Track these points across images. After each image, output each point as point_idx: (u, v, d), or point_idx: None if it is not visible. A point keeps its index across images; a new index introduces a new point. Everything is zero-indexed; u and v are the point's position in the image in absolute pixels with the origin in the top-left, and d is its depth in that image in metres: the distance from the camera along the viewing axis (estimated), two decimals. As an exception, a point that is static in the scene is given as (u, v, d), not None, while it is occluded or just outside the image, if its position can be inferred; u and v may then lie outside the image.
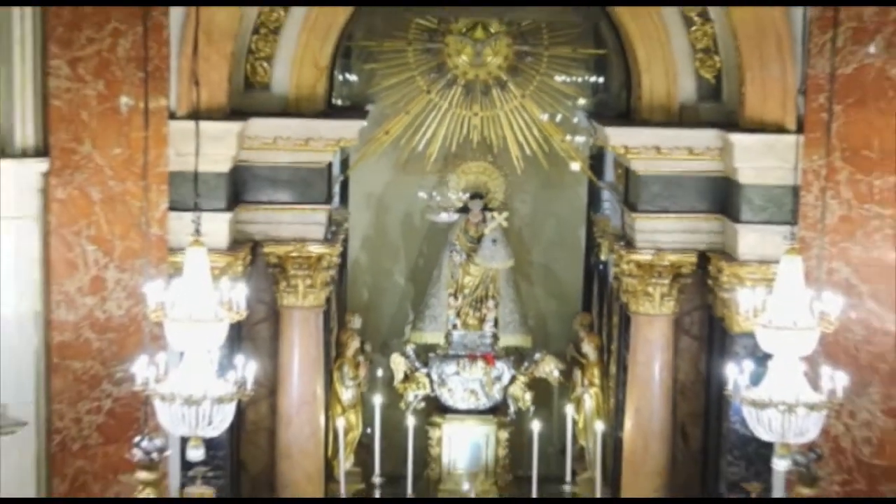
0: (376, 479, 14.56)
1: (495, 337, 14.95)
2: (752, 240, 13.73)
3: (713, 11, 13.89)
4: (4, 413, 12.93)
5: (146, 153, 13.00)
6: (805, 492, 13.05)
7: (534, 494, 14.66)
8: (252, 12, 13.85)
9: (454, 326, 15.09)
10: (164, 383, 11.27)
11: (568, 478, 14.70)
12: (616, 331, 15.29)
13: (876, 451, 13.49)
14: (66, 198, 12.96)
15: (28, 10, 12.63)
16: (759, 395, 12.00)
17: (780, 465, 13.16)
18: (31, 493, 13.33)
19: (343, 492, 14.76)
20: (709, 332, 14.84)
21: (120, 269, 13.08)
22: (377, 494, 14.75)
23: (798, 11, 13.34)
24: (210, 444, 12.42)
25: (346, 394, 14.81)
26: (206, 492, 13.39)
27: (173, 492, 12.96)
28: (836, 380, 11.87)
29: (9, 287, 12.84)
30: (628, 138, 14.32)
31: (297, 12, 13.96)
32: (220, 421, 11.66)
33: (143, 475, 12.21)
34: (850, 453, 13.49)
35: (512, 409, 15.04)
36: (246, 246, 14.19)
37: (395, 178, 15.39)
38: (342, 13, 14.04)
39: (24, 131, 12.74)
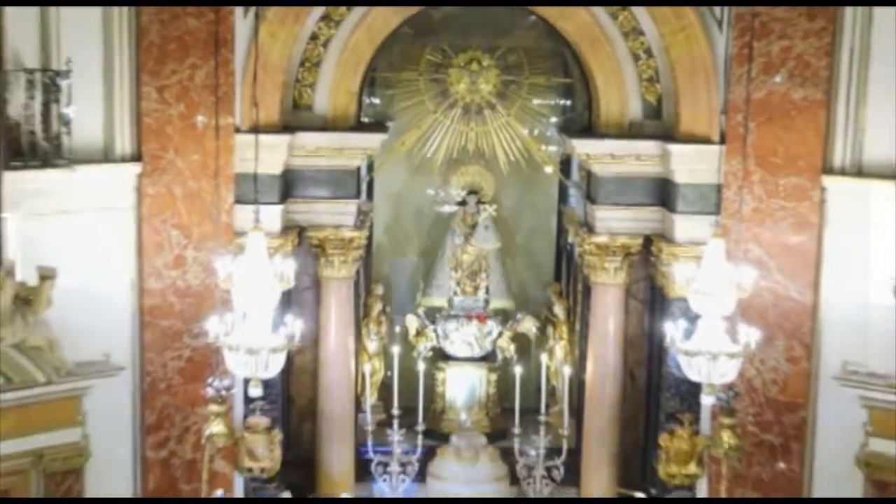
0: (395, 411, 14.39)
1: (486, 301, 14.88)
2: (685, 226, 13.83)
3: (655, 49, 13.92)
4: (108, 360, 13.05)
5: (217, 159, 13.09)
6: (726, 421, 13.13)
7: (516, 423, 14.64)
8: (299, 49, 13.88)
9: (455, 293, 15.05)
10: (231, 337, 11.46)
11: (542, 410, 14.56)
12: (580, 296, 15.34)
13: (780, 390, 13.58)
14: (154, 194, 13.08)
15: (125, 46, 12.76)
16: (690, 347, 12.12)
17: (707, 400, 13.27)
18: (127, 423, 13.48)
19: (369, 420, 14.72)
20: (651, 297, 14.91)
21: (196, 249, 13.15)
22: (395, 424, 14.53)
23: (721, 48, 13.39)
24: (266, 383, 12.53)
25: (371, 345, 14.80)
26: (263, 421, 13.49)
27: (238, 421, 12.80)
28: (750, 335, 11.98)
29: (111, 263, 13.02)
30: (590, 148, 14.39)
31: (334, 49, 13.95)
32: (274, 366, 11.81)
33: (213, 408, 12.29)
34: (761, 391, 13.60)
35: (499, 357, 14.97)
36: (294, 231, 14.25)
37: (409, 179, 15.41)
38: (368, 51, 14.04)
39: (123, 142, 12.92)
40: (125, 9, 12.66)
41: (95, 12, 12.52)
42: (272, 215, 13.56)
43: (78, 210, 12.54)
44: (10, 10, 11.75)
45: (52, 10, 12.12)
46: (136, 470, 13.63)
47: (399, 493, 14.77)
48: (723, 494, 13.10)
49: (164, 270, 13.22)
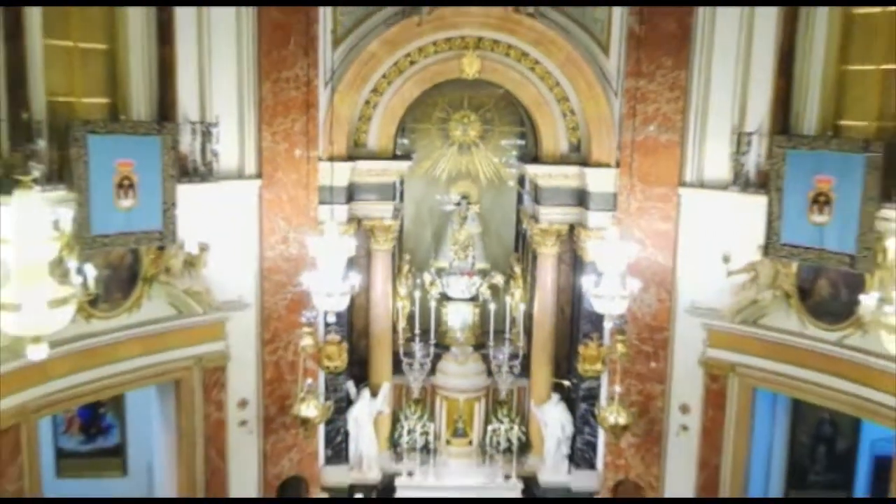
0: (416, 332, 14.30)
1: (473, 264, 14.76)
2: (594, 218, 13.77)
3: (576, 109, 13.78)
4: (241, 300, 13.21)
5: (307, 177, 13.13)
6: (619, 337, 13.17)
7: (491, 339, 14.63)
8: (358, 109, 13.76)
9: (453, 259, 14.95)
10: (316, 285, 11.80)
11: (507, 331, 14.59)
12: (530, 262, 15.21)
13: (652, 318, 13.71)
14: (269, 198, 13.16)
15: (252, 106, 12.79)
16: (598, 291, 12.38)
17: (607, 324, 13.37)
18: (252, 338, 13.49)
19: (401, 338, 14.76)
20: (573, 262, 14.83)
21: (295, 232, 13.21)
22: (416, 339, 14.40)
23: (616, 108, 13.38)
24: (338, 314, 12.87)
25: (402, 291, 14.74)
26: (336, 337, 13.64)
27: (320, 337, 12.66)
28: (634, 285, 12.29)
29: (243, 240, 13.12)
30: (536, 170, 14.31)
31: (379, 109, 13.84)
32: (343, 303, 12.13)
33: (306, 329, 12.47)
34: (640, 319, 13.70)
35: (480, 298, 14.86)
36: (354, 221, 14.16)
37: (425, 189, 15.36)
38: (400, 110, 13.98)
39: (250, 167, 13.02)
40: (252, 79, 12.69)
41: (233, 82, 12.57)
42: (341, 211, 13.67)
43: (223, 207, 12.74)
44: (180, 81, 12.01)
45: (206, 79, 12.25)
46: (258, 368, 13.68)
47: (418, 383, 14.99)
48: (617, 384, 13.29)
49: (276, 245, 13.33)
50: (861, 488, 14.62)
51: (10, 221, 8.60)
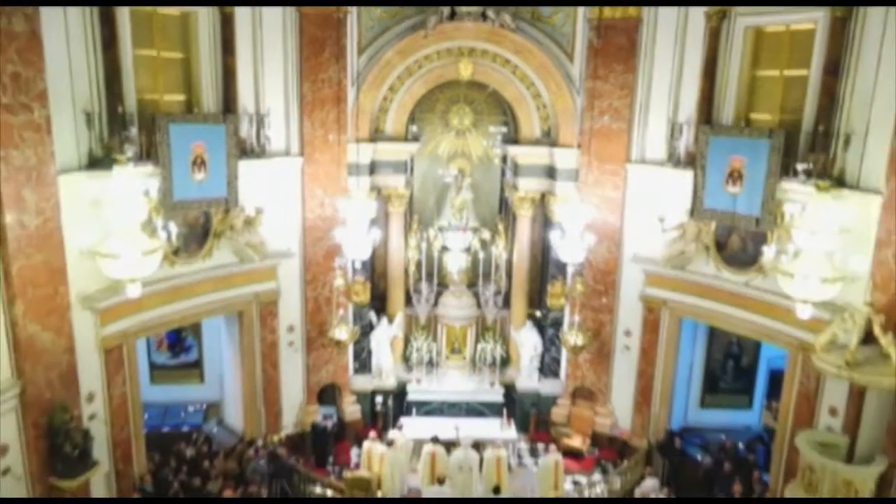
0: (423, 275, 14.52)
1: (467, 223, 14.58)
2: (561, 188, 13.72)
3: (547, 103, 13.67)
4: (288, 250, 13.19)
5: (339, 156, 13.08)
6: (578, 278, 13.23)
7: (480, 280, 14.66)
8: (378, 102, 13.64)
9: (451, 219, 14.69)
10: (345, 239, 11.85)
11: (492, 274, 14.61)
12: (510, 221, 15.06)
13: (604, 264, 13.70)
14: (310, 172, 13.07)
15: (295, 100, 12.61)
16: (562, 244, 12.54)
17: (570, 269, 13.68)
18: (297, 280, 13.47)
19: (411, 279, 14.73)
20: (544, 221, 14.69)
21: (330, 198, 13.12)
22: (424, 281, 14.57)
23: (578, 103, 13.25)
24: (363, 261, 12.98)
25: (412, 243, 14.60)
26: (360, 278, 13.68)
27: (349, 278, 12.84)
28: (590, 239, 12.40)
29: (290, 204, 13.02)
30: (516, 150, 14.25)
31: (395, 103, 13.78)
32: (365, 252, 12.22)
33: (338, 272, 12.60)
34: (594, 265, 13.69)
35: (472, 249, 14.70)
36: (375, 189, 14.07)
37: (429, 165, 15.28)
38: (411, 103, 13.90)
39: (294, 147, 12.89)
40: (295, 80, 12.54)
41: (280, 82, 12.43)
42: (364, 182, 13.60)
43: (273, 179, 12.66)
44: (240, 81, 11.86)
45: (260, 80, 12.15)
46: (301, 302, 13.71)
47: (424, 313, 15.04)
48: (576, 314, 13.34)
49: (315, 208, 13.29)
50: (759, 393, 14.79)
51: (111, 190, 8.65)
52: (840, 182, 10.06)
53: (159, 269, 9.78)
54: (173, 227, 9.77)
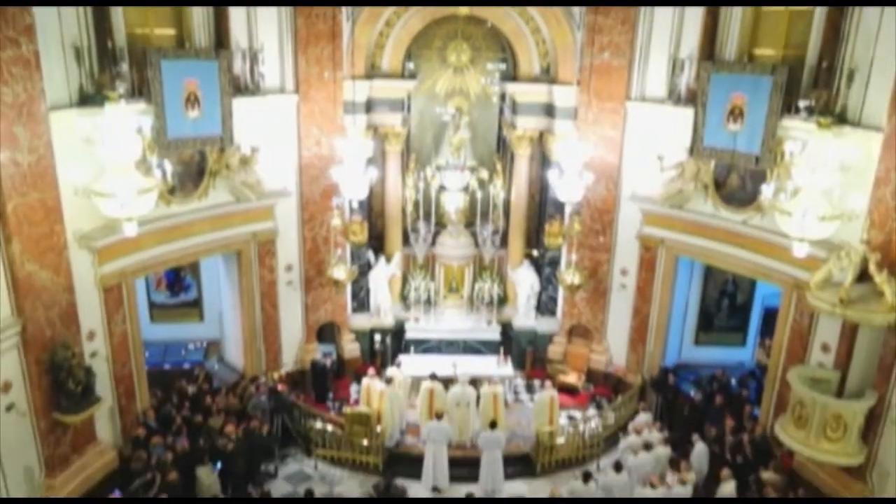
0: (421, 214, 14.51)
1: (465, 161, 14.37)
2: (560, 127, 13.60)
3: (547, 39, 13.45)
4: (285, 189, 13.11)
5: (334, 93, 12.88)
6: (576, 217, 13.27)
7: (478, 220, 14.60)
8: (374, 38, 13.37)
9: (449, 158, 14.41)
10: (342, 178, 11.74)
11: (490, 213, 14.52)
12: (508, 160, 14.95)
13: (602, 203, 13.66)
14: (305, 110, 12.89)
15: (289, 36, 12.31)
16: (561, 183, 12.46)
17: (568, 208, 13.64)
18: (294, 219, 13.43)
19: (409, 219, 14.65)
20: (542, 160, 14.65)
21: (326, 136, 12.99)
22: (421, 220, 14.54)
23: (578, 39, 13.02)
24: (360, 201, 12.90)
25: (409, 182, 14.49)
26: (358, 218, 13.48)
27: (346, 218, 12.80)
28: (588, 177, 12.32)
29: (286, 142, 12.91)
30: (515, 88, 14.05)
31: (391, 39, 13.50)
32: (363, 191, 12.11)
33: (335, 212, 12.58)
34: (592, 204, 13.66)
35: (470, 188, 14.56)
36: (372, 128, 13.95)
37: (427, 103, 14.95)
38: (408, 39, 13.63)
39: (289, 84, 12.64)
40: (289, 14, 12.22)
41: (274, 17, 12.15)
42: (361, 121, 13.48)
43: (268, 117, 12.49)
44: (232, 16, 11.58)
45: (253, 14, 11.84)
46: (299, 241, 13.73)
47: (422, 253, 15.01)
48: (574, 253, 13.43)
49: (311, 146, 13.16)
50: (753, 331, 14.98)
51: (104, 128, 8.52)
52: (842, 119, 9.95)
53: (155, 208, 9.74)
54: (168, 166, 9.68)
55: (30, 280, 9.37)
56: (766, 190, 9.79)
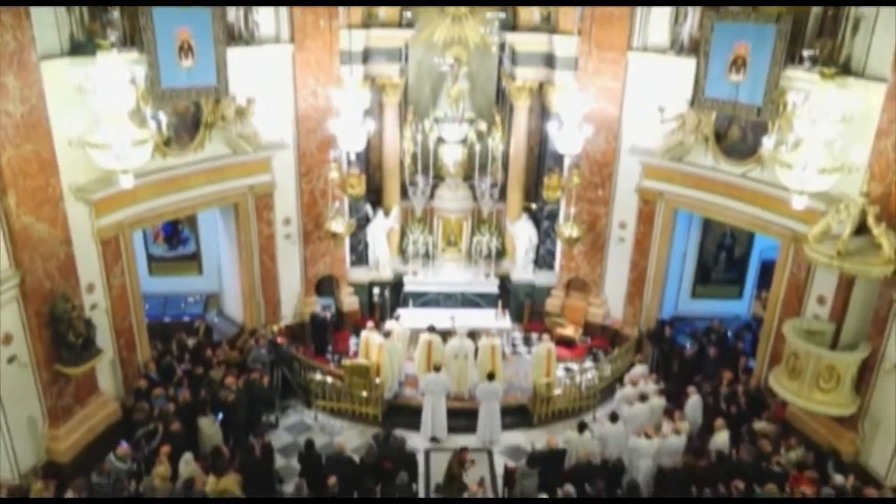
0: (419, 167, 14.35)
1: (463, 113, 14.08)
2: (560, 77, 13.39)
3: None
4: (282, 141, 13.03)
5: (331, 43, 12.71)
6: (575, 170, 13.18)
7: (476, 172, 14.46)
8: None
9: (447, 110, 14.06)
10: (340, 130, 11.63)
11: (488, 167, 14.37)
12: (507, 112, 14.81)
13: (601, 156, 13.57)
14: (301, 60, 12.71)
15: None
16: (560, 135, 12.40)
17: (567, 160, 13.51)
18: (292, 172, 13.33)
19: (407, 171, 14.51)
20: (542, 112, 14.51)
21: (322, 86, 12.82)
22: (419, 173, 14.39)
23: None
24: (357, 153, 12.78)
25: (407, 134, 14.33)
26: (356, 171, 13.38)
27: (344, 170, 12.54)
28: (587, 129, 12.27)
29: (282, 93, 12.76)
30: (514, 38, 13.77)
31: None
32: (360, 143, 12.02)
33: (333, 164, 12.44)
34: (592, 156, 13.56)
35: (468, 141, 14.38)
36: (369, 79, 13.68)
37: (424, 53, 14.75)
38: None
39: (284, 34, 12.46)
40: None
41: None
42: (358, 71, 13.22)
43: (264, 67, 12.34)
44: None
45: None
46: (297, 194, 13.68)
47: (420, 206, 14.96)
48: (573, 206, 13.38)
49: (307, 97, 13.00)
50: (750, 284, 15.08)
51: (96, 77, 8.39)
52: (845, 70, 9.84)
53: (151, 160, 9.65)
54: (163, 117, 9.55)
55: (26, 232, 9.36)
56: (767, 142, 9.72)
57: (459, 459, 10.41)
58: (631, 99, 13.09)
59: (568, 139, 12.21)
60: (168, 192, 11.65)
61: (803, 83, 10.20)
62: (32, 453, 10.17)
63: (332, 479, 9.57)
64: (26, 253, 9.42)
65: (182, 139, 11.61)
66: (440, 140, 14.59)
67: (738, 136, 11.86)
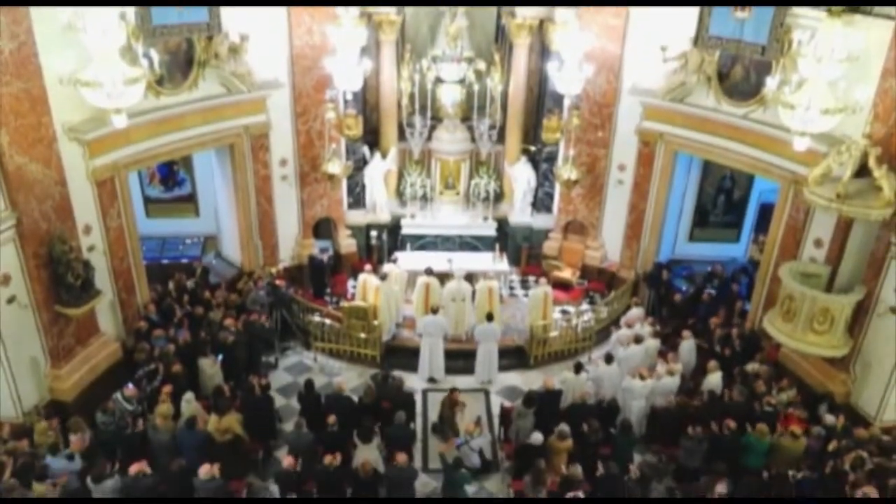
0: (416, 108, 14.11)
1: (462, 52, 13.79)
2: (561, 15, 12.97)
3: None
4: (277, 80, 12.78)
5: None
6: (575, 112, 13.05)
7: (475, 113, 14.23)
8: None
9: (446, 48, 13.66)
10: (336, 69, 11.43)
11: (487, 109, 14.14)
12: (507, 51, 14.40)
13: (602, 97, 13.38)
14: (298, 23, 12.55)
15: None
16: (560, 74, 12.18)
17: (567, 101, 13.26)
18: (287, 111, 13.13)
19: (404, 112, 14.30)
20: (542, 51, 14.21)
21: (319, 24, 12.54)
22: (417, 114, 14.11)
23: None
24: (354, 93, 12.55)
25: (404, 74, 14.07)
26: (352, 112, 13.14)
27: (341, 111, 12.41)
28: (588, 69, 12.04)
29: (277, 33, 12.47)
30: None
31: None
32: (357, 83, 11.82)
33: (329, 104, 12.30)
34: (592, 98, 13.38)
35: (467, 81, 14.04)
36: (366, 16, 12.94)
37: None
38: None
39: None
40: None
41: None
42: (353, 7, 12.85)
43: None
44: None
45: None
46: (293, 135, 13.50)
47: (418, 147, 14.79)
48: (571, 148, 13.24)
49: (302, 35, 12.72)
50: (748, 227, 15.09)
51: (85, 13, 8.17)
52: (853, 7, 9.60)
53: (144, 99, 9.55)
54: (155, 55, 9.30)
55: (20, 173, 9.29)
56: (771, 82, 9.58)
57: (451, 401, 10.65)
58: (633, 37, 12.83)
59: (568, 79, 11.99)
60: (162, 132, 11.52)
61: (809, 20, 10.00)
62: (35, 392, 10.34)
63: (332, 418, 9.77)
64: (21, 194, 9.37)
65: (175, 78, 11.43)
66: (438, 80, 14.32)
67: (741, 76, 11.69)
